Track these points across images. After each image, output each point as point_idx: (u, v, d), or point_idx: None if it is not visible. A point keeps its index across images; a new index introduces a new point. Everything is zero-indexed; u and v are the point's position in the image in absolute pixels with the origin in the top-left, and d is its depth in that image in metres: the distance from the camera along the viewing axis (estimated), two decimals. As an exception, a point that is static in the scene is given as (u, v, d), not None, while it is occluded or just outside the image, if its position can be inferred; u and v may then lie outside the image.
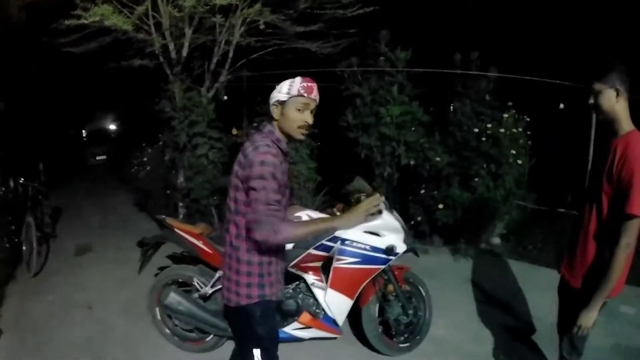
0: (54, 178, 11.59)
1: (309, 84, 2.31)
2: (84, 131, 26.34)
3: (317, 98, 2.35)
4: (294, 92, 2.28)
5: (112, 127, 27.62)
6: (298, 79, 2.32)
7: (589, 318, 2.43)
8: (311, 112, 2.35)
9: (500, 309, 4.69)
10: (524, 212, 6.37)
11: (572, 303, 2.58)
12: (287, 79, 2.35)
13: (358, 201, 3.69)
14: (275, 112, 2.33)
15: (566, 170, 6.83)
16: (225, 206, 2.48)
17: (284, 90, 2.30)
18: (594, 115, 7.22)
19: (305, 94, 2.29)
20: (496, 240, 6.27)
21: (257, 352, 2.43)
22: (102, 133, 25.68)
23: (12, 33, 8.06)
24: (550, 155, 6.80)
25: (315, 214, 3.57)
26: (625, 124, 2.40)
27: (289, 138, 2.39)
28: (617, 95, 2.35)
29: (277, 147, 2.30)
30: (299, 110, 2.30)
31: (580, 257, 2.57)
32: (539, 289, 4.87)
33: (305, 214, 3.51)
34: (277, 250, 2.42)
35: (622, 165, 2.28)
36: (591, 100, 2.44)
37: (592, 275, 2.46)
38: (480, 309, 4.73)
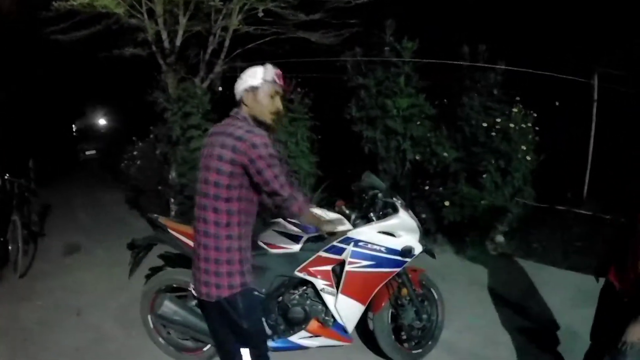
0: (45, 175, 11.41)
1: (280, 72, 2.39)
2: (74, 127, 26.04)
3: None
4: (269, 78, 2.34)
5: (103, 122, 27.36)
6: (270, 66, 2.38)
7: (637, 332, 2.22)
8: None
9: (512, 310, 4.50)
10: (525, 210, 6.19)
11: (621, 315, 2.34)
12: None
13: (374, 198, 3.46)
14: (248, 98, 2.35)
15: (568, 166, 6.70)
16: None
17: (258, 75, 2.34)
18: (594, 111, 7.12)
19: (278, 81, 2.37)
20: (500, 239, 6.06)
21: (245, 352, 2.32)
22: (93, 128, 25.55)
23: (3, 27, 7.78)
24: (553, 152, 6.63)
25: (323, 212, 3.32)
26: None
27: (259, 124, 2.36)
28: None
29: None
30: (272, 97, 2.35)
31: (633, 266, 2.34)
32: (549, 288, 4.80)
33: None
34: (249, 235, 2.38)
35: None
36: None
37: None
38: (491, 310, 4.54)
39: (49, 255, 6.37)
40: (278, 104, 2.38)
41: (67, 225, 8.03)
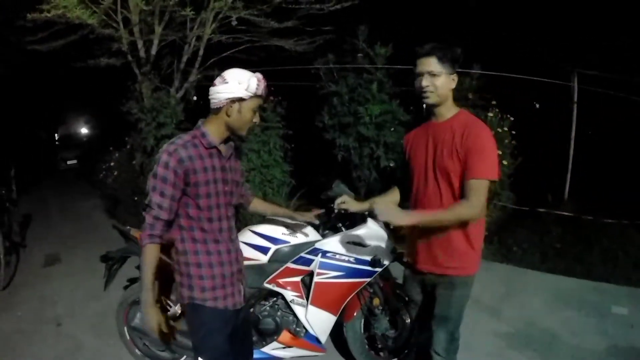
0: (25, 184, 11.30)
1: (266, 83, 2.17)
2: (56, 135, 25.66)
3: None
4: (260, 92, 2.13)
5: (85, 130, 27.02)
6: (261, 78, 2.14)
7: (399, 217, 2.17)
8: None
9: (489, 314, 4.49)
10: (504, 213, 6.21)
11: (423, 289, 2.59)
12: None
13: (345, 208, 3.44)
14: (232, 110, 2.12)
15: (546, 169, 6.72)
16: None
17: (251, 88, 2.09)
18: (575, 113, 7.16)
19: (264, 96, 2.20)
20: (479, 242, 6.07)
21: None
22: (75, 136, 25.16)
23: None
24: (535, 154, 6.68)
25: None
26: (453, 105, 2.40)
27: (233, 134, 2.24)
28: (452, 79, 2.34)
29: (199, 143, 2.14)
30: (255, 111, 2.19)
31: (435, 243, 2.46)
32: (526, 291, 4.86)
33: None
34: (206, 251, 2.26)
35: (466, 142, 2.24)
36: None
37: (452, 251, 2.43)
38: (468, 315, 4.49)
39: (30, 266, 6.32)
40: (257, 117, 2.22)
41: (48, 235, 7.95)
